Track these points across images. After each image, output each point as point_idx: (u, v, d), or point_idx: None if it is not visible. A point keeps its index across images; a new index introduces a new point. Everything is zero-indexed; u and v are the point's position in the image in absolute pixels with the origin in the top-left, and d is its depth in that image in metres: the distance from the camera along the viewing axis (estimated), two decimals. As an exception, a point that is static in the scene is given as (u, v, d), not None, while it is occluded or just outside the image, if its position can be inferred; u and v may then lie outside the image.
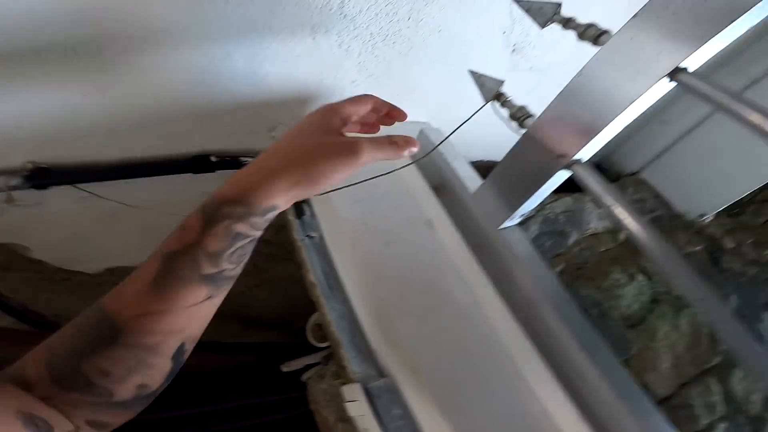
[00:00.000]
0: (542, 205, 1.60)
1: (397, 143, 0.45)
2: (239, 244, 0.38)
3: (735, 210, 3.66)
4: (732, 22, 0.46)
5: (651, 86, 0.52)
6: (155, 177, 0.99)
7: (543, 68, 1.36)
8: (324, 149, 0.40)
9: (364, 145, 0.41)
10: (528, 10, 0.67)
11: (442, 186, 0.93)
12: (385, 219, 0.89)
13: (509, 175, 0.70)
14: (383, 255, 0.82)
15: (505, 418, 0.71)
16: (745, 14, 0.45)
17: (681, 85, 0.51)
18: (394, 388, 0.75)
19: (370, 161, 0.42)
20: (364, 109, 0.48)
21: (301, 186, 0.39)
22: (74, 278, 1.41)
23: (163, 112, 0.88)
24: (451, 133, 0.76)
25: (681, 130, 2.20)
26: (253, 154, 1.12)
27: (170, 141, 0.96)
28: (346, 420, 0.87)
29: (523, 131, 0.68)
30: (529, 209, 0.72)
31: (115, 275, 1.43)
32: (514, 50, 1.23)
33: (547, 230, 1.53)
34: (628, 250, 1.77)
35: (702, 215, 2.34)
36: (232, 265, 0.39)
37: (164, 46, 0.74)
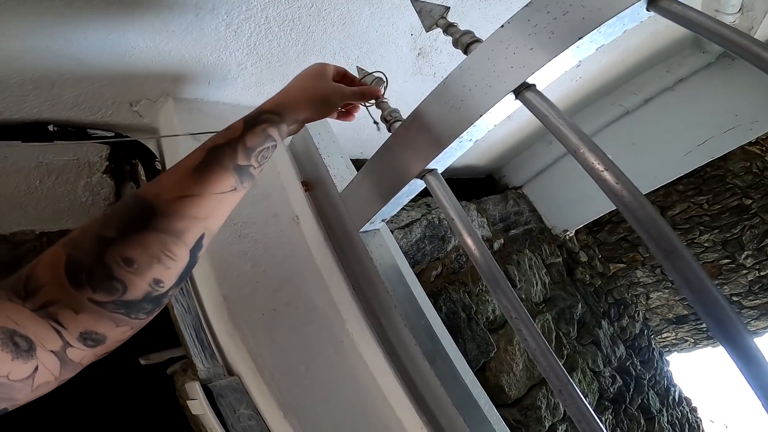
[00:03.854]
0: (429, 209, 1.65)
1: (363, 93, 0.65)
2: (267, 144, 0.48)
3: (595, 228, 4.26)
4: (579, 38, 0.47)
5: (498, 101, 0.52)
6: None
7: (445, 76, 1.43)
8: (328, 92, 0.59)
9: (348, 92, 0.61)
10: (419, 12, 0.65)
11: (316, 182, 0.88)
12: (248, 211, 0.82)
13: (371, 179, 0.68)
14: (235, 248, 0.75)
15: (354, 421, 0.70)
16: (593, 32, 0.46)
17: (525, 102, 0.52)
18: (240, 387, 0.69)
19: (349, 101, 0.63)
20: (341, 71, 0.64)
21: (315, 112, 0.57)
22: None
23: None
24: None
25: (560, 151, 2.46)
26: (105, 128, 0.98)
27: None
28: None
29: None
30: (389, 214, 0.71)
31: None
32: (420, 54, 1.23)
33: (430, 234, 1.58)
34: (500, 258, 1.92)
35: (565, 230, 2.66)
36: (257, 163, 0.47)
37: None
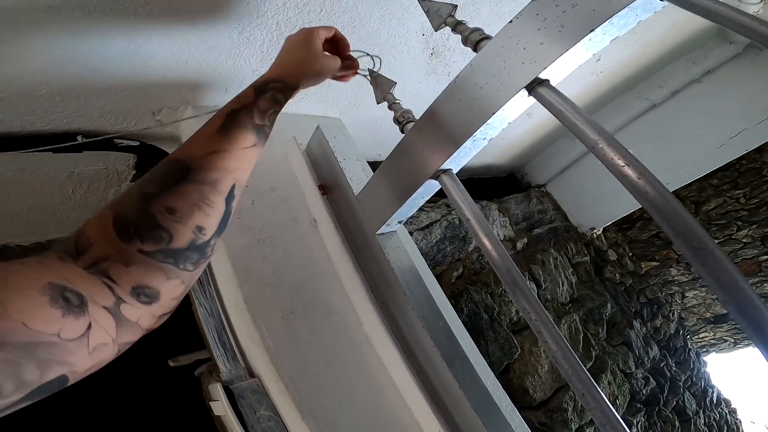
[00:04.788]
0: (449, 210, 1.64)
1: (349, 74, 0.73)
2: (276, 108, 0.55)
3: (625, 225, 4.11)
4: (591, 31, 0.46)
5: (510, 98, 0.51)
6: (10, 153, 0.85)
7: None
8: (319, 67, 0.63)
9: (339, 62, 0.67)
10: (428, 11, 0.65)
11: (333, 185, 0.89)
12: (267, 215, 0.83)
13: (387, 181, 0.68)
14: (255, 252, 0.76)
15: (372, 423, 0.70)
16: (604, 23, 0.45)
17: (538, 98, 0.51)
18: (260, 389, 0.70)
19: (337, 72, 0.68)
20: (329, 34, 0.67)
21: (308, 83, 0.62)
22: None
23: (13, 86, 0.75)
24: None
25: (584, 147, 2.38)
26: (130, 137, 1.02)
27: (25, 117, 0.83)
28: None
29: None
30: (406, 216, 0.70)
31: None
32: (433, 53, 1.22)
33: (450, 235, 1.56)
34: (524, 258, 1.88)
35: (592, 228, 2.58)
36: (269, 123, 0.54)
37: (16, 18, 0.62)
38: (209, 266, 0.85)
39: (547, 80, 0.51)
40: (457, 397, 0.64)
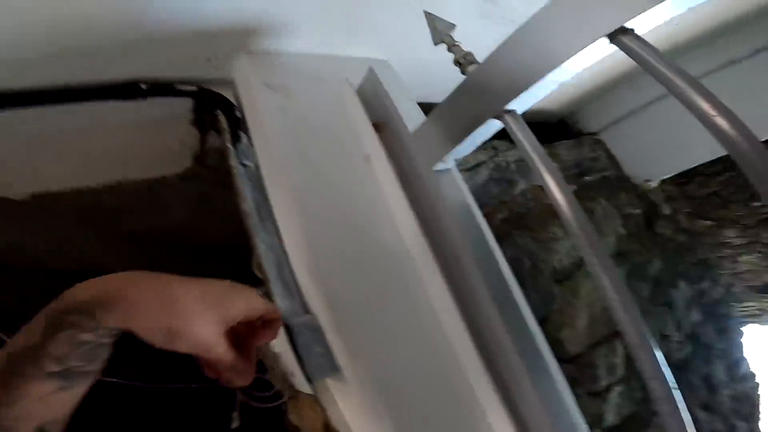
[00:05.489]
0: (496, 152, 1.60)
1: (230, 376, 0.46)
2: (87, 347, 0.37)
3: (683, 179, 3.85)
4: None
5: (588, 45, 0.50)
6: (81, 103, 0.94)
7: (520, 20, 1.34)
8: (193, 332, 0.39)
9: (226, 351, 0.42)
10: None
11: (386, 123, 0.89)
12: (322, 152, 0.85)
13: (446, 119, 0.68)
14: (314, 188, 0.79)
15: (418, 362, 0.74)
16: None
17: (621, 47, 0.49)
18: (316, 325, 0.74)
19: (213, 360, 0.42)
20: (255, 315, 0.47)
21: (153, 337, 0.38)
22: (-2, 203, 1.30)
23: (83, 38, 0.80)
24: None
25: (649, 97, 2.22)
26: (190, 82, 1.05)
27: (94, 67, 0.89)
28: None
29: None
30: (463, 154, 0.71)
31: (42, 200, 1.34)
32: None
33: (497, 177, 1.54)
34: (572, 208, 1.83)
35: (648, 180, 2.45)
36: (83, 362, 0.37)
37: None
38: (268, 201, 0.89)
39: (632, 29, 0.48)
40: (503, 341, 0.66)
